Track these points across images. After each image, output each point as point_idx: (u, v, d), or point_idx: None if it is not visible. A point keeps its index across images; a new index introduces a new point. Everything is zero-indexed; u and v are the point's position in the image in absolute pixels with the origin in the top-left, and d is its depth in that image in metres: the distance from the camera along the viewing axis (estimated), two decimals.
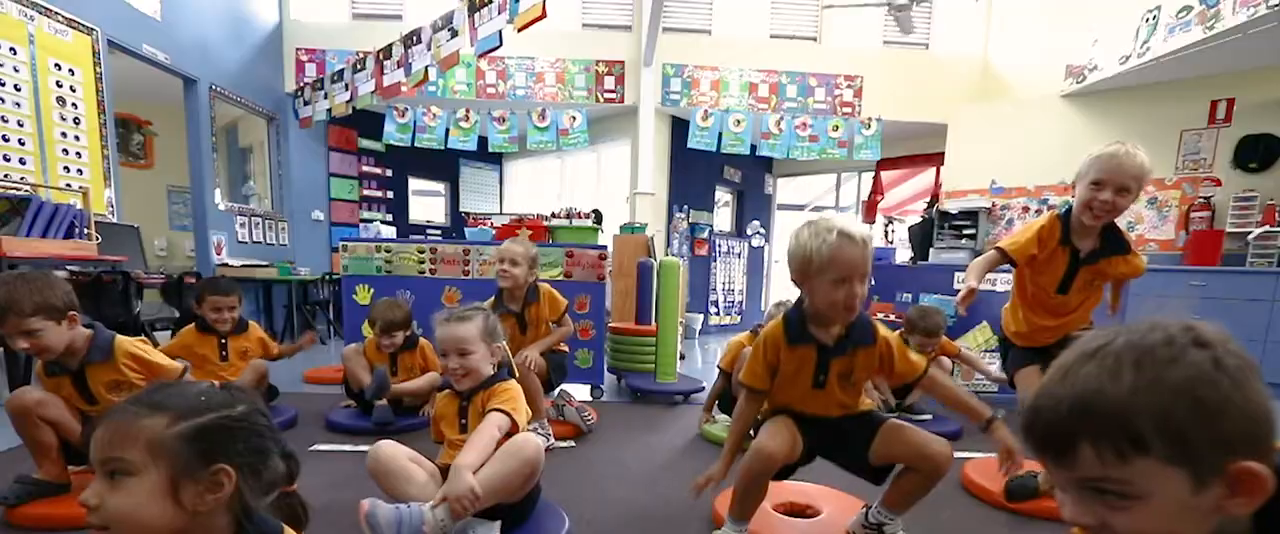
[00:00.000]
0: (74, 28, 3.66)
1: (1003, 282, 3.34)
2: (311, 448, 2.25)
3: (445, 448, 1.59)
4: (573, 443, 2.45)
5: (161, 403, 0.75)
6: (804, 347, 1.39)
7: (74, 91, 3.67)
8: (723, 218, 7.51)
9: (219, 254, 5.01)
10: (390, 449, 1.48)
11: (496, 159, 7.75)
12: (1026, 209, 5.22)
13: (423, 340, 2.78)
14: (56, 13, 3.54)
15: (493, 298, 2.47)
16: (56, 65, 3.55)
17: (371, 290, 3.33)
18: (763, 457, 1.35)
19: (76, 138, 3.67)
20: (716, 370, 2.75)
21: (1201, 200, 4.60)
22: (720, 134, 5.73)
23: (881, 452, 1.41)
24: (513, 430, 1.47)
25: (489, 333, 1.56)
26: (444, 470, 1.45)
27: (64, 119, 3.60)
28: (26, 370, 2.83)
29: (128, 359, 1.67)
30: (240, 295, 2.67)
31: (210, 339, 2.59)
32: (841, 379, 1.41)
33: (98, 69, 3.82)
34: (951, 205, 5.37)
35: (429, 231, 7.25)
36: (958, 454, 2.36)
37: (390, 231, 4.76)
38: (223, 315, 2.58)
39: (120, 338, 1.69)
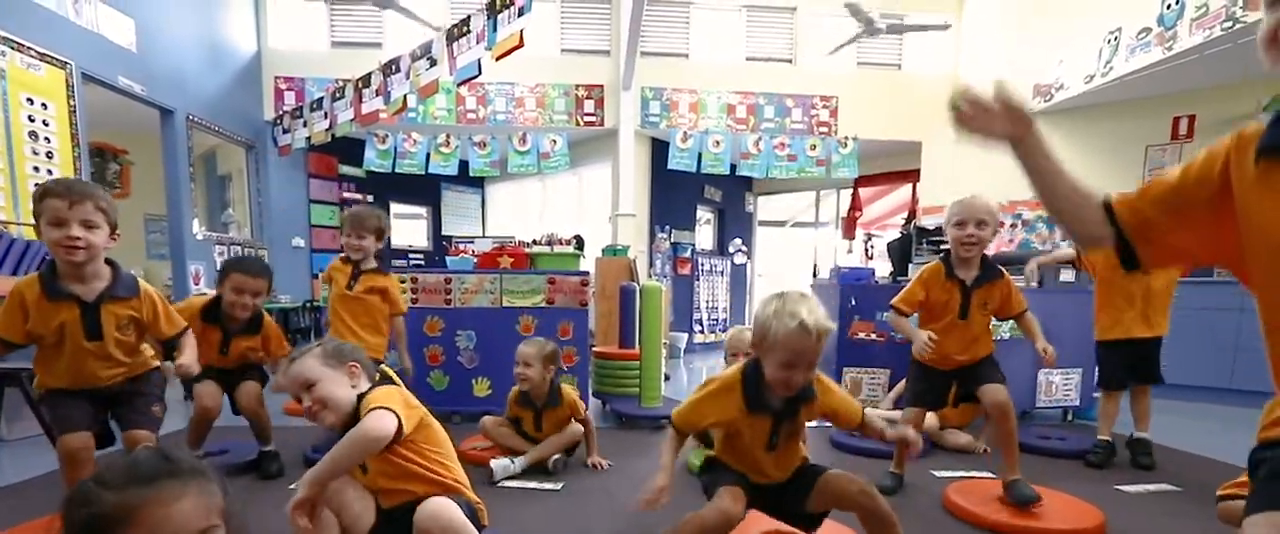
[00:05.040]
0: (47, 62, 3.63)
1: None
2: (293, 487, 2.20)
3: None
4: (551, 483, 2.43)
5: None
6: (760, 416, 1.42)
7: (47, 125, 3.62)
8: (705, 236, 7.56)
9: (197, 284, 4.94)
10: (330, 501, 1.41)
11: (478, 183, 7.77)
12: (1002, 224, 5.33)
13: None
14: (29, 47, 3.51)
15: (515, 391, 2.50)
16: (29, 99, 3.51)
17: None
18: (724, 514, 1.37)
19: (50, 171, 3.62)
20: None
21: None
22: (700, 155, 5.80)
23: (817, 502, 1.47)
24: (398, 433, 1.35)
25: (330, 356, 1.43)
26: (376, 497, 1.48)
27: (36, 154, 3.55)
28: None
29: (151, 299, 1.77)
30: (270, 281, 2.40)
31: (214, 330, 2.30)
32: (789, 439, 1.47)
33: (72, 102, 3.78)
34: (928, 221, 5.46)
35: (411, 256, 7.22)
36: (940, 473, 2.41)
37: None
38: (244, 300, 2.29)
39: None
